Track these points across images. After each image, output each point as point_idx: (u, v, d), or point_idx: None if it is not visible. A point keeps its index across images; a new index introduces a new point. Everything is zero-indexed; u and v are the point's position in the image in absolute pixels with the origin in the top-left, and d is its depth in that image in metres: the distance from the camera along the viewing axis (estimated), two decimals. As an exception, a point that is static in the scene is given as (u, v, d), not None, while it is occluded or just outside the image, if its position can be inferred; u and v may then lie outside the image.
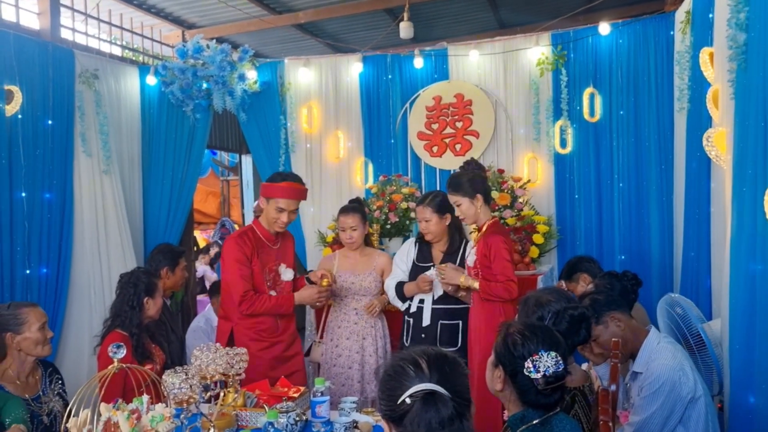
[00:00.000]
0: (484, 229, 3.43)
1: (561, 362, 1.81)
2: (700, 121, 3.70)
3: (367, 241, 4.13)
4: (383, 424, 1.55)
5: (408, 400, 1.43)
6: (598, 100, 5.01)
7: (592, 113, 5.02)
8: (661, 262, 4.78)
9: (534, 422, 1.85)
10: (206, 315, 4.78)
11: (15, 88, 4.38)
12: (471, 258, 3.48)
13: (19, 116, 4.42)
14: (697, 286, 3.80)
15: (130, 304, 3.20)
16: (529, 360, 1.81)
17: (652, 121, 4.79)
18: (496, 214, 4.76)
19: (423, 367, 1.48)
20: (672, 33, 4.61)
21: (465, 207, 3.42)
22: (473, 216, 3.44)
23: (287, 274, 3.62)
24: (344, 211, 3.97)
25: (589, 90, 5.01)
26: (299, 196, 3.50)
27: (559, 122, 5.11)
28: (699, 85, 3.73)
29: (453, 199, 3.44)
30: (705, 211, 3.68)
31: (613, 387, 2.28)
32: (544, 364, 1.78)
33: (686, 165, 4.09)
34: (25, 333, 2.76)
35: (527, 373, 1.81)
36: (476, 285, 3.34)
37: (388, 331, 4.04)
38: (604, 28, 4.88)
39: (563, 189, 5.18)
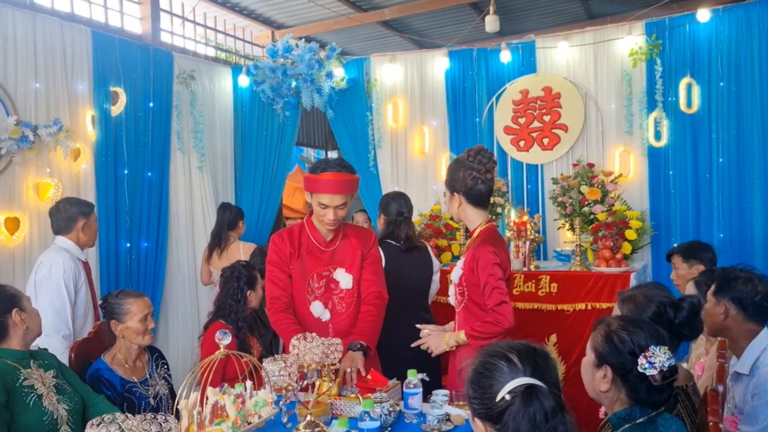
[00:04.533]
0: (474, 236, 2.86)
1: (672, 356, 1.76)
2: (812, 111, 3.49)
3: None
4: (476, 423, 1.48)
5: (507, 397, 1.39)
6: (696, 91, 4.80)
7: (689, 104, 4.83)
8: (765, 260, 4.53)
9: (638, 421, 1.80)
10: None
11: (120, 90, 4.64)
12: (456, 273, 2.89)
13: (123, 116, 4.67)
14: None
15: (234, 297, 3.30)
16: (642, 356, 1.75)
17: (755, 111, 4.57)
18: (586, 209, 4.64)
19: (515, 362, 1.44)
20: (778, 18, 4.38)
21: (446, 201, 2.93)
22: (455, 215, 2.93)
23: (345, 280, 3.00)
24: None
25: (686, 80, 4.82)
26: (345, 189, 2.85)
27: (654, 114, 4.94)
28: (811, 71, 3.52)
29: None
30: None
31: (720, 388, 2.18)
32: (658, 358, 1.72)
33: (795, 157, 3.87)
34: (128, 323, 2.89)
35: (642, 370, 1.74)
36: (463, 337, 2.77)
37: None
38: (704, 15, 4.68)
39: (657, 183, 5.00)
